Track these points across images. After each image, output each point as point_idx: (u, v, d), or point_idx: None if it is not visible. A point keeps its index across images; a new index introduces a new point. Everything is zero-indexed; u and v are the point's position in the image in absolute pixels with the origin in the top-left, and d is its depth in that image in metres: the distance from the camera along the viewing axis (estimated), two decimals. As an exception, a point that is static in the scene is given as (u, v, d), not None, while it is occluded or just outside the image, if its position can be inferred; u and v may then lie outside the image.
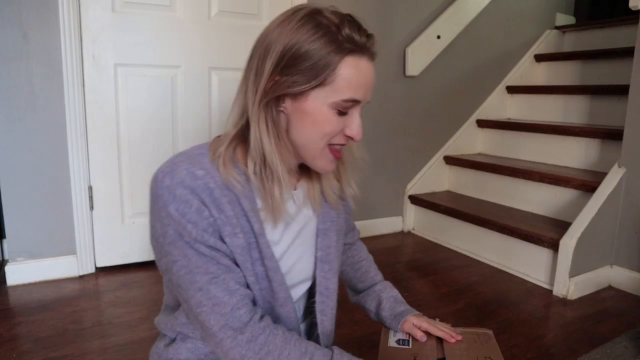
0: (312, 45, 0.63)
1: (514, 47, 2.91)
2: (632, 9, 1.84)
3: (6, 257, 1.80)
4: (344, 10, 0.67)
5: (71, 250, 1.85)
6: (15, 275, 1.76)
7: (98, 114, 1.82)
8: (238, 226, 0.68)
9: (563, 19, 3.15)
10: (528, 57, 2.96)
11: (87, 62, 1.77)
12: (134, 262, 1.97)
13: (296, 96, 0.66)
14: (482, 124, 2.76)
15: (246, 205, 0.68)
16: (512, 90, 2.86)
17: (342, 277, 1.01)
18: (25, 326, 1.47)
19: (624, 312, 1.69)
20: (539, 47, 3.00)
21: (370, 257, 1.03)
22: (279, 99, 0.67)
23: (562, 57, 2.89)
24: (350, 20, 0.66)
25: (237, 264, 0.70)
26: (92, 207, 1.87)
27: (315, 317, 0.81)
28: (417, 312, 0.93)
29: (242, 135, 0.70)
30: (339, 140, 0.70)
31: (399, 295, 0.97)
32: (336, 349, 0.72)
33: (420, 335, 0.89)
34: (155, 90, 1.90)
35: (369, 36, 0.66)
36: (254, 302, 0.71)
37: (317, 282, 0.80)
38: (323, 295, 0.80)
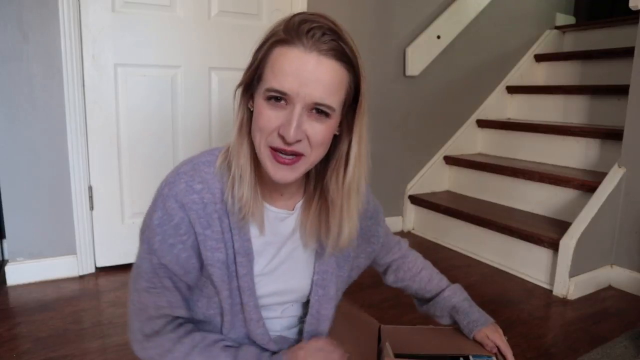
0: (259, 44, 0.66)
1: (513, 47, 2.90)
2: (632, 9, 1.84)
3: (6, 257, 1.80)
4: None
5: (71, 250, 1.85)
6: (15, 275, 1.76)
7: (98, 114, 1.81)
8: (222, 241, 0.70)
9: (563, 18, 3.15)
10: (528, 57, 2.96)
11: (87, 62, 1.77)
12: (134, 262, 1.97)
13: (253, 96, 0.68)
14: (482, 124, 2.76)
15: (234, 222, 0.70)
16: (512, 90, 2.86)
17: (406, 291, 1.01)
18: (25, 326, 1.47)
19: (624, 312, 1.69)
20: (539, 47, 3.00)
21: (429, 264, 1.01)
22: (247, 101, 0.70)
23: (562, 57, 2.89)
24: (298, 15, 0.63)
25: (213, 284, 0.72)
26: (92, 207, 1.87)
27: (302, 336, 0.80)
28: (492, 321, 0.92)
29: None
30: (273, 140, 0.64)
31: (469, 299, 0.95)
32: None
33: (490, 347, 0.88)
34: (155, 90, 1.90)
35: (312, 29, 0.61)
36: (185, 322, 0.75)
37: (310, 304, 0.79)
38: (314, 317, 0.78)
